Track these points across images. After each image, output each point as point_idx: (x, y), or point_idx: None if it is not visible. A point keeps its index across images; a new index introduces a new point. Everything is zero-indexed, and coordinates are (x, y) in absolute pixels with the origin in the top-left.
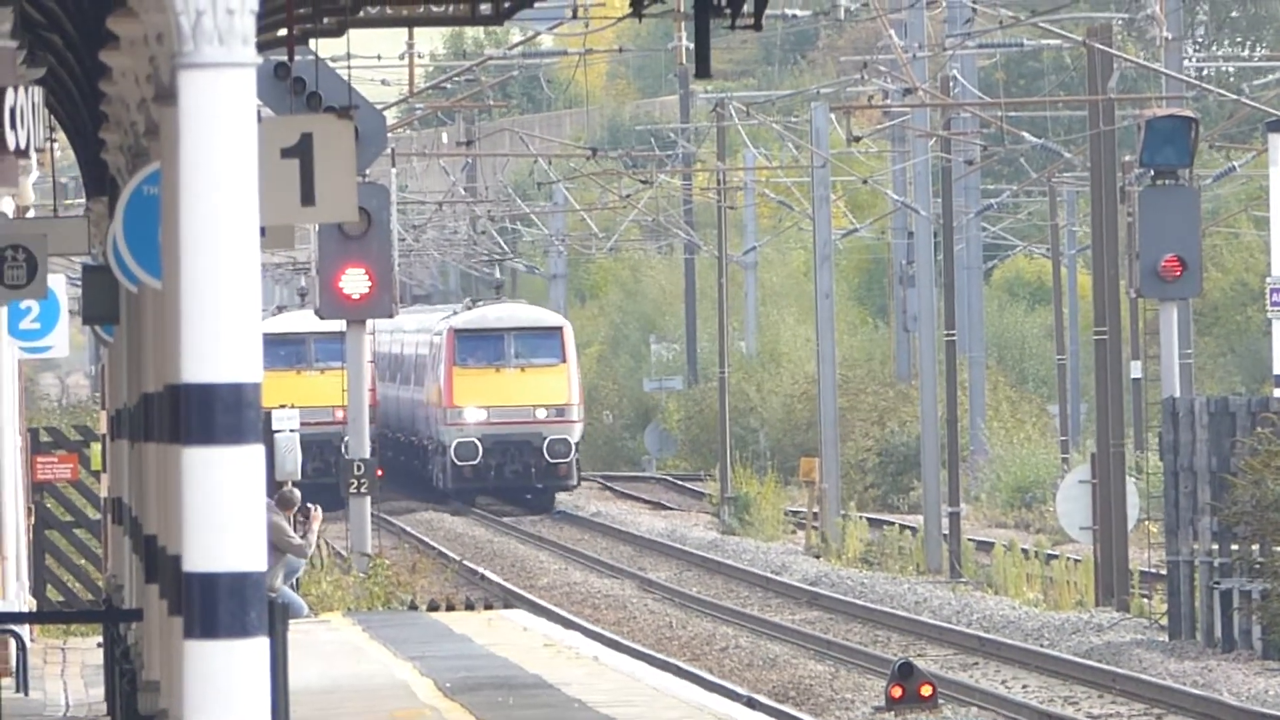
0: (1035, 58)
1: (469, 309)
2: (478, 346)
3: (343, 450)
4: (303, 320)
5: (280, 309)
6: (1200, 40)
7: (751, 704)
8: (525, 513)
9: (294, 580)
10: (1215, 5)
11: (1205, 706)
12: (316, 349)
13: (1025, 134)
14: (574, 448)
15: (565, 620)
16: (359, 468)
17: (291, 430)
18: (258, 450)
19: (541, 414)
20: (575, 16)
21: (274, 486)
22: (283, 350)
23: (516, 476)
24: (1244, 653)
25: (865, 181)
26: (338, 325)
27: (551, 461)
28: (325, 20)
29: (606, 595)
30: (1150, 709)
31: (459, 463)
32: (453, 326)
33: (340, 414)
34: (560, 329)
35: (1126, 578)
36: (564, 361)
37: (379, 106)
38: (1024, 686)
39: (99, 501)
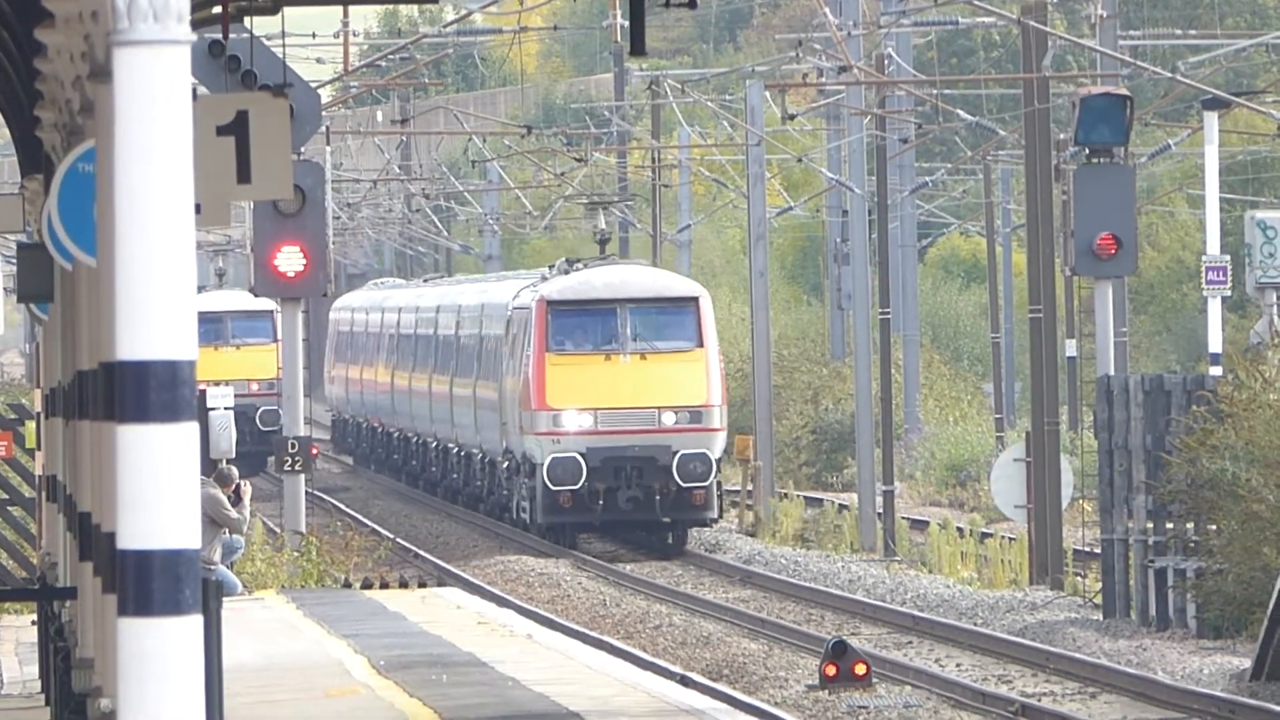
0: (967, 36)
1: (565, 273)
2: (580, 324)
3: (257, 421)
4: (221, 299)
5: (201, 289)
6: (1135, 17)
7: (685, 682)
8: (648, 556)
9: (230, 560)
10: None
11: (1139, 685)
12: (234, 326)
13: (960, 112)
14: (714, 466)
15: (499, 598)
16: (293, 446)
17: (226, 408)
18: (192, 428)
19: (670, 419)
20: None
21: (208, 464)
22: (202, 327)
23: (634, 506)
24: (1178, 631)
25: (800, 160)
26: (253, 304)
27: (684, 485)
28: None
29: (540, 574)
30: (1084, 688)
31: (553, 487)
32: (544, 296)
33: (255, 387)
34: (696, 300)
35: (1061, 556)
36: (701, 346)
37: (314, 84)
38: (958, 665)
39: (33, 479)
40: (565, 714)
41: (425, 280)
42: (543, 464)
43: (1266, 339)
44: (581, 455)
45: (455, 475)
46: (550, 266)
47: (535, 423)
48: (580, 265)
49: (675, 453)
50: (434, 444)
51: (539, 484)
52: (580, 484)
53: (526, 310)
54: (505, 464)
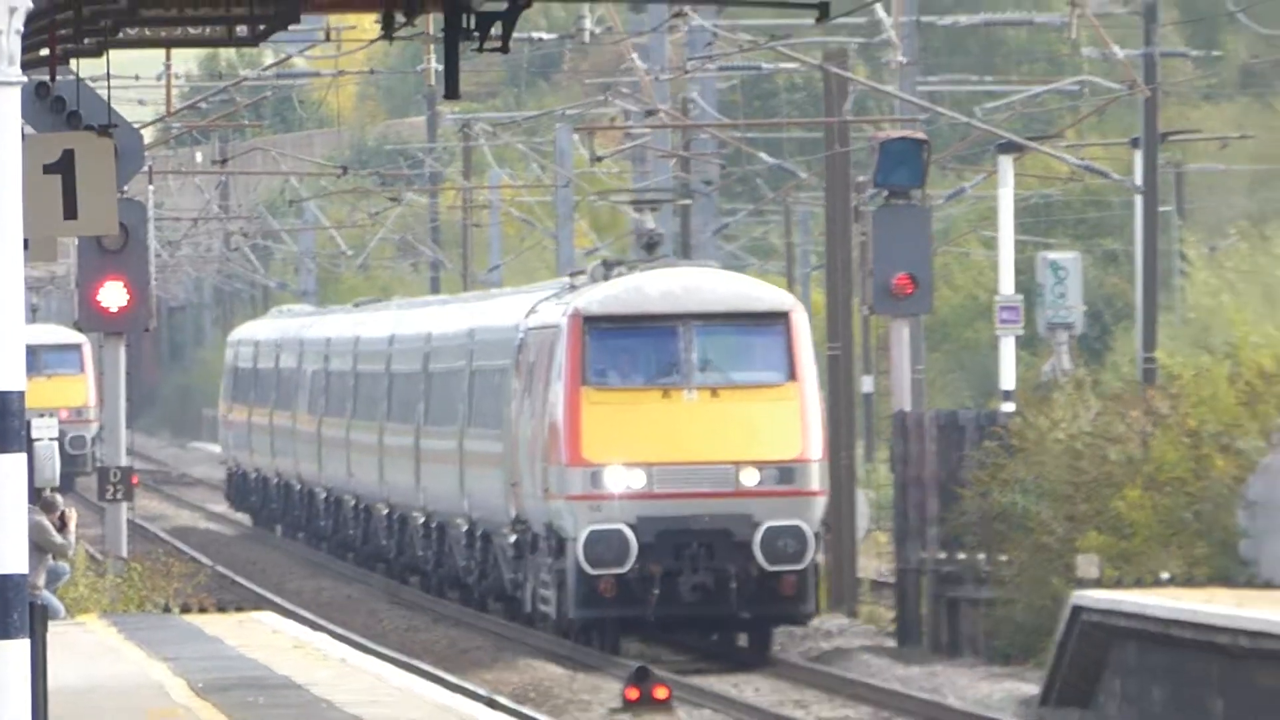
0: (770, 80)
1: (603, 278)
2: (629, 348)
3: (66, 445)
4: (33, 332)
5: None
6: (933, 64)
7: (493, 704)
8: (720, 666)
9: (56, 586)
10: (950, 31)
11: (931, 710)
12: (45, 358)
13: (762, 154)
14: (812, 543)
15: (314, 624)
16: (115, 474)
17: (51, 438)
18: (21, 458)
19: (752, 479)
20: (328, 39)
21: (33, 492)
22: None
23: (702, 596)
24: (969, 659)
25: (605, 198)
26: (63, 337)
27: (770, 569)
28: (86, 41)
29: (356, 600)
30: (878, 712)
31: (592, 570)
32: (578, 309)
33: (64, 414)
34: (787, 316)
35: (856, 586)
36: (794, 379)
37: (136, 125)
38: (755, 690)
39: None
40: None
41: (356, 305)
42: (577, 539)
43: (1056, 376)
44: (630, 527)
45: (422, 552)
46: (574, 273)
47: (566, 483)
48: (623, 269)
49: (758, 524)
50: (385, 511)
51: (571, 566)
52: (628, 566)
53: (551, 330)
54: (514, 538)
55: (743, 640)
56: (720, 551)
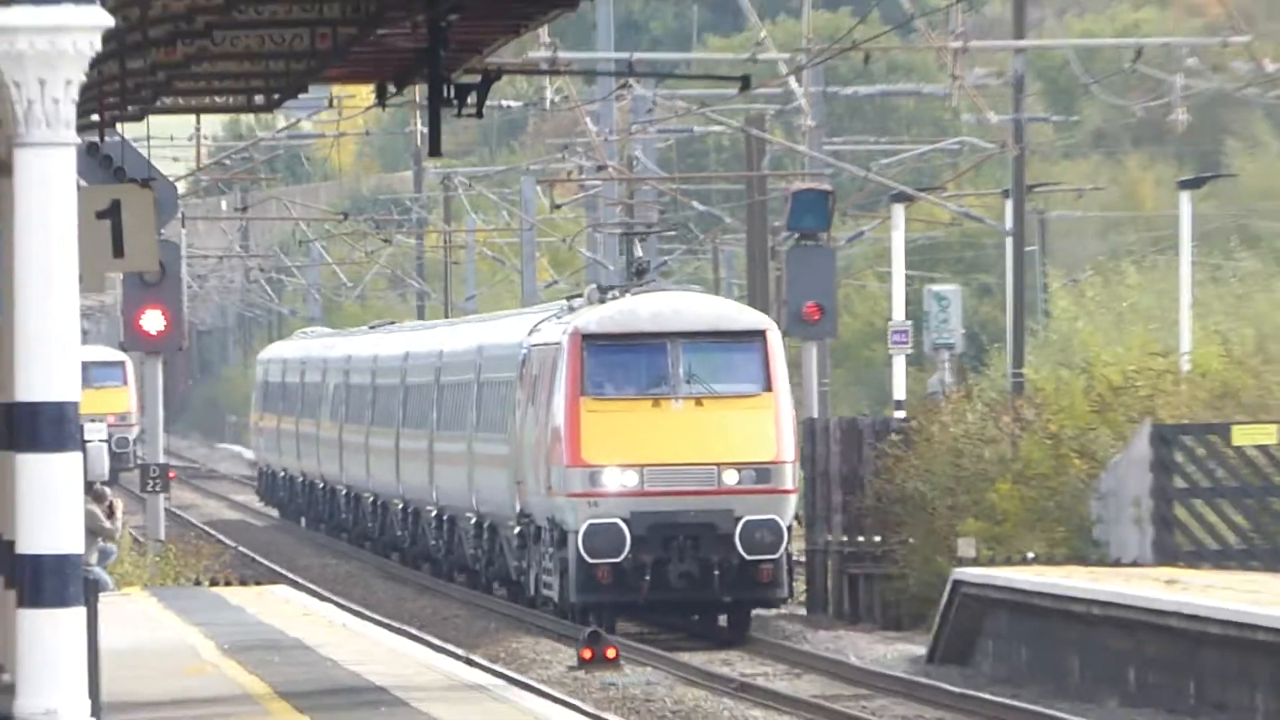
0: (701, 141)
1: (599, 301)
2: (623, 362)
3: (111, 445)
4: (84, 352)
5: None
6: (837, 126)
7: (470, 663)
8: (706, 645)
9: (106, 564)
10: (850, 100)
11: (836, 668)
12: (94, 373)
13: (694, 203)
14: (786, 535)
15: (320, 595)
16: (154, 470)
17: (101, 440)
18: (76, 456)
19: (732, 478)
20: (331, 106)
21: (86, 484)
22: None
23: (688, 583)
24: (868, 625)
25: (565, 241)
26: (108, 356)
27: (748, 559)
28: (129, 108)
29: (353, 576)
30: (791, 669)
31: (591, 560)
32: (578, 329)
33: (110, 419)
34: (763, 334)
35: None
36: (769, 389)
37: (171, 178)
38: (690, 651)
39: None
40: (374, 688)
41: (371, 327)
42: (577, 531)
43: (941, 390)
44: (624, 521)
45: (434, 542)
46: (571, 298)
47: (568, 482)
48: (616, 293)
49: (739, 519)
50: (401, 505)
51: (571, 555)
52: (623, 556)
53: (553, 347)
54: (517, 529)
55: (722, 621)
56: (705, 543)
